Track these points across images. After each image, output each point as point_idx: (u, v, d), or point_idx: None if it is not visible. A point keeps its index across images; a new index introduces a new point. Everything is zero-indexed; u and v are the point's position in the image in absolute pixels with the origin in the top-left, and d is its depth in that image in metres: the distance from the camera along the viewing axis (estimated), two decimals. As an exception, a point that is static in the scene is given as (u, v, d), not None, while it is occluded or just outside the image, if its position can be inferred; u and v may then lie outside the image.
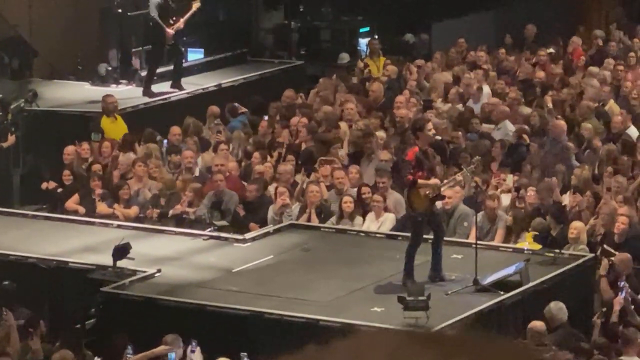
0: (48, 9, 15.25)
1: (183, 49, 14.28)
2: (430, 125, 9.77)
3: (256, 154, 12.01)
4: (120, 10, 14.44)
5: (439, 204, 9.66)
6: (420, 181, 9.00)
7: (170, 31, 13.42)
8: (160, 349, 8.01)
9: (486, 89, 13.33)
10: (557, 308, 8.40)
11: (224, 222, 10.72)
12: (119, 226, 10.72)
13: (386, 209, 10.44)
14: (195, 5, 13.74)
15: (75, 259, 10.19)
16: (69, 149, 11.81)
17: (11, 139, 12.23)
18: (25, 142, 12.88)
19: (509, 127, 12.18)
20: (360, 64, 15.15)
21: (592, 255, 9.47)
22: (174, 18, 13.43)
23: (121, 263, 9.45)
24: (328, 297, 9.23)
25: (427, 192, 8.97)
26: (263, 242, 10.16)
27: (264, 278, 9.52)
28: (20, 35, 14.93)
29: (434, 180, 9.05)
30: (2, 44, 15.05)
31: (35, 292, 10.14)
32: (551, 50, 14.74)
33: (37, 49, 15.18)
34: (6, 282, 9.31)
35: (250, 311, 8.96)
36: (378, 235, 10.30)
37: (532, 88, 13.57)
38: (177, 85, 13.65)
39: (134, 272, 9.78)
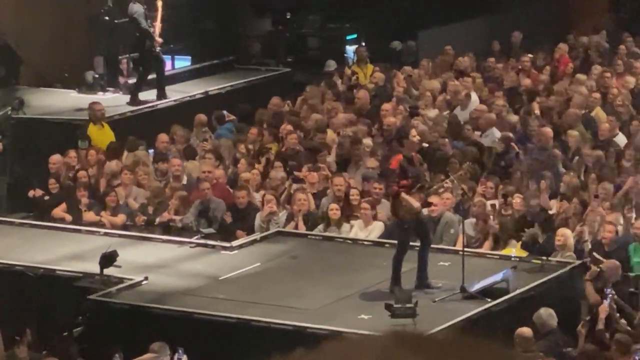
0: (35, 17, 15.14)
1: (170, 56, 14.28)
2: (414, 132, 9.79)
3: (242, 161, 11.94)
4: (107, 18, 14.30)
5: (425, 211, 9.65)
6: (403, 195, 8.98)
7: (159, 39, 13.36)
8: (147, 356, 7.95)
9: (474, 96, 13.31)
10: (547, 314, 8.45)
11: (211, 230, 10.72)
12: (105, 234, 10.68)
13: (375, 217, 10.41)
14: (159, 5, 13.65)
15: (63, 266, 10.17)
16: (55, 157, 11.75)
17: (-3, 147, 12.18)
18: (12, 150, 12.80)
19: (496, 134, 12.15)
20: (348, 72, 15.12)
21: (579, 262, 9.48)
22: (152, 24, 13.39)
23: (108, 271, 9.40)
24: (316, 305, 9.15)
25: (408, 204, 9.00)
26: (250, 249, 10.17)
27: (251, 286, 9.52)
28: (7, 43, 14.83)
29: (416, 204, 8.95)
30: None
31: (22, 300, 10.04)
32: (530, 55, 14.83)
33: (23, 57, 15.06)
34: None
35: (237, 319, 8.91)
36: (365, 242, 10.29)
37: (519, 95, 13.61)
38: (162, 94, 13.62)
39: (121, 279, 9.71)
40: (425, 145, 10.36)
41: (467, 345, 0.62)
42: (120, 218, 10.94)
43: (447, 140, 12.10)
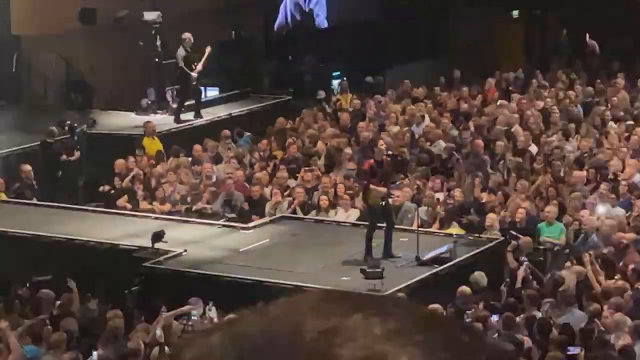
0: (102, 57, 14.71)
1: (202, 88, 14.03)
2: (382, 143, 9.64)
3: (257, 165, 11.71)
4: (157, 60, 14.03)
5: (390, 200, 9.47)
6: (371, 186, 8.84)
7: (194, 74, 13.14)
8: (185, 308, 7.78)
9: (426, 117, 13.03)
10: (480, 276, 8.29)
11: (233, 215, 10.44)
12: (156, 218, 10.44)
13: (353, 205, 10.18)
14: (207, 50, 13.31)
15: (124, 242, 9.95)
16: (119, 162, 11.45)
17: (76, 154, 11.86)
18: (87, 157, 12.53)
19: (442, 144, 11.92)
20: (333, 99, 14.88)
21: (502, 238, 9.27)
22: (195, 64, 13.08)
23: (158, 245, 9.17)
24: (310, 270, 8.93)
25: (375, 195, 8.88)
26: (262, 229, 9.92)
27: (263, 256, 9.28)
28: (82, 77, 14.54)
29: (381, 188, 8.81)
30: (70, 84, 14.62)
31: (94, 267, 9.92)
32: (466, 88, 14.75)
33: (94, 87, 14.70)
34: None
35: (252, 280, 8.69)
36: (346, 224, 10.04)
37: (459, 116, 13.44)
38: (198, 115, 13.31)
39: (167, 251, 9.49)
40: (390, 152, 10.14)
41: (388, 301, 0.47)
42: (167, 206, 10.65)
43: (406, 149, 11.82)
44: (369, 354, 0.36)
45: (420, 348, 0.38)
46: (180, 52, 12.90)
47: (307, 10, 17.71)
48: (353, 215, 9.96)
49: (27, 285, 8.59)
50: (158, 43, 13.88)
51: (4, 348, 6.88)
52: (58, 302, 8.03)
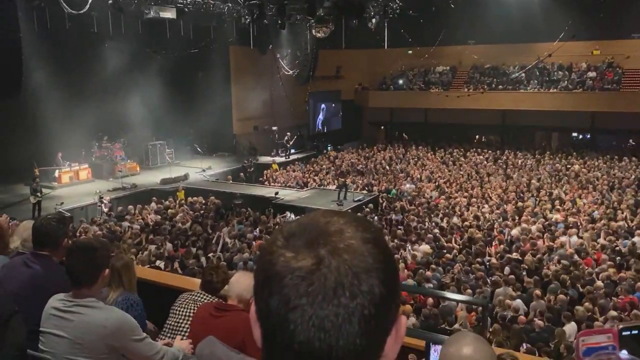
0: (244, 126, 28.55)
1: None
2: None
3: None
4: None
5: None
6: None
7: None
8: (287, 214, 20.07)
9: None
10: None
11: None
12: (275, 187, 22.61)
13: None
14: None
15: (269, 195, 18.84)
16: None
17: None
18: (249, 179, 24.33)
19: None
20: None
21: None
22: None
23: (277, 196, 20.24)
24: (330, 205, 17.62)
25: None
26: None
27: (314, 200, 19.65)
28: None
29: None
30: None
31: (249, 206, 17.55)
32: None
33: (240, 141, 27.19)
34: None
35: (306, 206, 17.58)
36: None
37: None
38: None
39: (276, 197, 18.39)
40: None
41: (345, 212, 0.90)
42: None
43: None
44: (339, 228, 0.81)
45: (356, 225, 0.82)
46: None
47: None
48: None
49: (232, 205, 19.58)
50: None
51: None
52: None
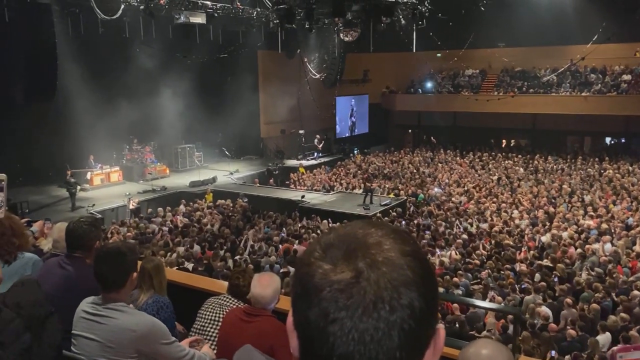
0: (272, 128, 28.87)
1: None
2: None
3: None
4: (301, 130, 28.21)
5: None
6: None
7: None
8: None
9: None
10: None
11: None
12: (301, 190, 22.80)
13: None
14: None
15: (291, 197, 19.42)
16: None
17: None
18: (281, 181, 23.55)
19: None
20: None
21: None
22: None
23: (303, 199, 20.78)
24: (357, 209, 17.95)
25: None
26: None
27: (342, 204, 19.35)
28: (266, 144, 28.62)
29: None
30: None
31: (275, 209, 17.80)
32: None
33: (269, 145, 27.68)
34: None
35: (334, 210, 18.16)
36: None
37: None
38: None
39: (303, 200, 18.67)
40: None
41: (383, 222, 0.91)
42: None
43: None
44: (377, 240, 0.81)
45: (394, 238, 0.82)
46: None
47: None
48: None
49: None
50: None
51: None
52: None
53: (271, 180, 23.65)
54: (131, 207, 17.82)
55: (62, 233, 3.67)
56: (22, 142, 18.80)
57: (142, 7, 17.57)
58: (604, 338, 8.29)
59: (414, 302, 0.78)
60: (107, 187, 21.01)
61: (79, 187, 18.71)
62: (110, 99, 19.96)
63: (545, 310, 9.51)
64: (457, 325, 9.02)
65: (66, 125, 19.31)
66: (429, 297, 0.80)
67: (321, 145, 28.02)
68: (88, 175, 20.75)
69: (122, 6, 17.05)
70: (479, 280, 11.38)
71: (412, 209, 19.05)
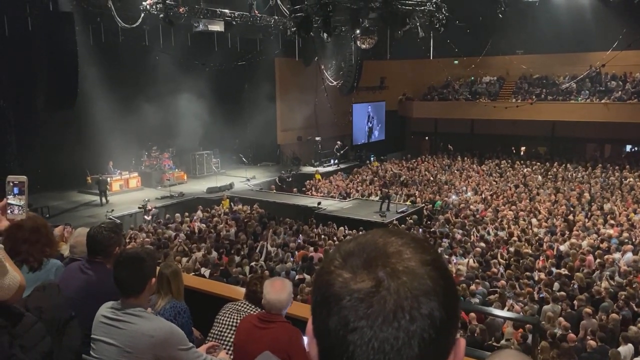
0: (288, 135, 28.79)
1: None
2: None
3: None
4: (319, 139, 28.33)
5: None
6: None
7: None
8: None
9: None
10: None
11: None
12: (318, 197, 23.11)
13: None
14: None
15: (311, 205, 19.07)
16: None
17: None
18: (289, 185, 23.27)
19: None
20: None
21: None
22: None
23: (318, 206, 20.97)
24: (373, 216, 17.99)
25: None
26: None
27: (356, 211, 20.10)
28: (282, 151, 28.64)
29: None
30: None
31: (291, 216, 17.67)
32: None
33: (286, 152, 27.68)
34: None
35: (347, 217, 17.87)
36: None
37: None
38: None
39: (319, 207, 18.72)
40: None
41: (401, 230, 0.90)
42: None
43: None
44: (397, 249, 0.81)
45: (414, 247, 0.82)
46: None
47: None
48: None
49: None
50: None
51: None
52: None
53: (273, 187, 23.60)
54: (149, 210, 17.96)
55: (79, 238, 3.71)
56: (44, 148, 19.30)
57: (161, 15, 17.80)
58: (625, 350, 8.13)
59: (434, 312, 0.78)
60: (125, 192, 21.25)
61: (107, 186, 19.52)
62: (130, 106, 20.22)
63: (563, 320, 9.35)
64: (477, 334, 8.90)
65: (86, 132, 19.66)
66: (449, 307, 0.80)
67: (342, 152, 28.12)
68: (107, 181, 20.97)
69: (142, 15, 17.29)
70: (496, 288, 11.25)
71: (429, 216, 18.92)
